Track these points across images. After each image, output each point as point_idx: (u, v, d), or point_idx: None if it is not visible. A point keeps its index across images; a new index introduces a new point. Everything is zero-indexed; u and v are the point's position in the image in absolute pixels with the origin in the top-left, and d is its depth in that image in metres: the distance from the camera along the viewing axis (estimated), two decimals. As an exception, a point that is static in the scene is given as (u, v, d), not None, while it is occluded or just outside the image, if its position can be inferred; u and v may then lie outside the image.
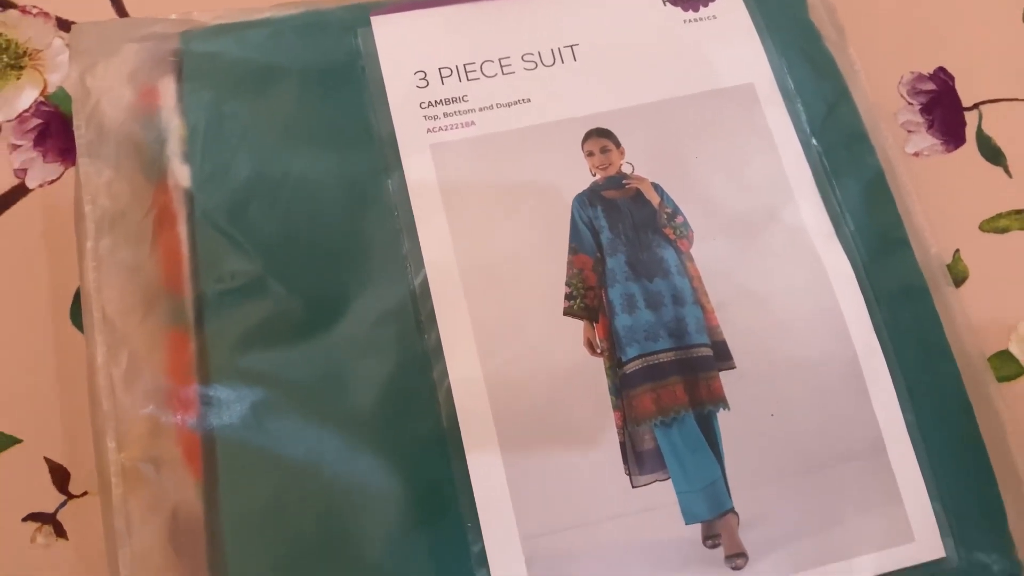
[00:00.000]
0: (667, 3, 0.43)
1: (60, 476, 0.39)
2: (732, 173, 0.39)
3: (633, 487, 0.35)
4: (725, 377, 0.36)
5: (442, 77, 0.40)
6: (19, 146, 0.44)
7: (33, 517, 0.38)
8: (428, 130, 0.39)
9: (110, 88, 0.40)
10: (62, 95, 0.45)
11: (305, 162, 0.38)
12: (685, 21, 0.42)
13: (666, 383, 0.36)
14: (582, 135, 0.39)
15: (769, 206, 0.39)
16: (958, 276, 0.42)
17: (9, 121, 0.45)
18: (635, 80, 0.41)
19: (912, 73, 0.49)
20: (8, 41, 0.45)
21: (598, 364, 0.36)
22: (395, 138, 0.39)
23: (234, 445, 0.34)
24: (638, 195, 0.39)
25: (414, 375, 0.35)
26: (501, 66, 0.41)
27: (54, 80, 0.45)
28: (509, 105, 0.40)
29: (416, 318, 0.36)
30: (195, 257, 0.37)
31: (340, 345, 0.36)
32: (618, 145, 0.39)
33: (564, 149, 0.39)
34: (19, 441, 0.39)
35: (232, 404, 0.35)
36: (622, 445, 0.35)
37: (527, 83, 0.40)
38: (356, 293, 0.36)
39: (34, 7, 0.46)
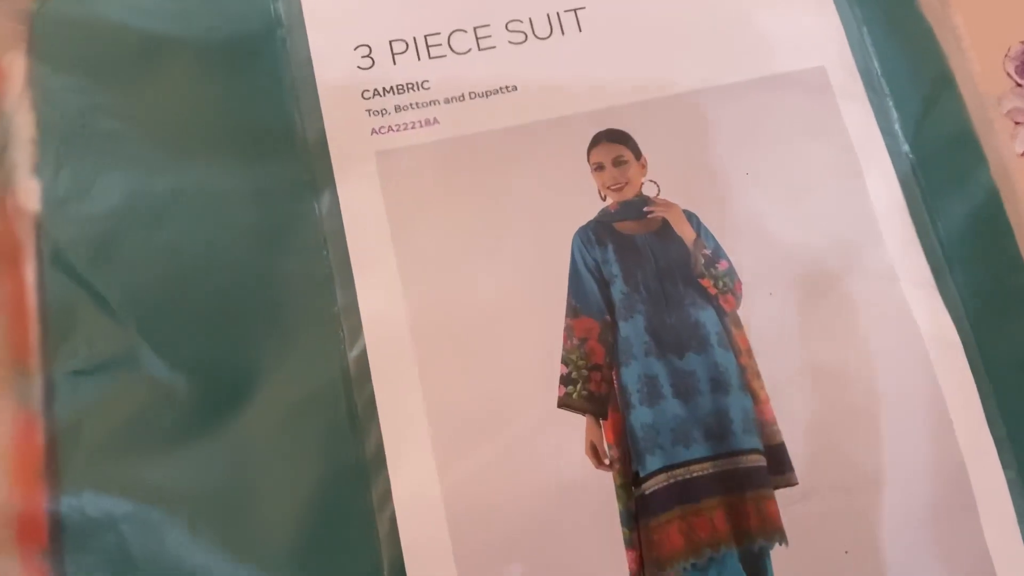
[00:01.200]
0: (707, -48, 0.35)
1: None
2: (794, 196, 0.32)
3: (652, 657, 0.28)
4: (783, 498, 0.29)
5: (394, 54, 0.33)
6: None
7: None
8: (373, 130, 0.32)
9: (-70, 66, 0.32)
10: None
11: (200, 179, 0.32)
12: (732, -24, 0.34)
13: (701, 508, 0.29)
14: (588, 140, 0.32)
15: (846, 246, 0.32)
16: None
17: None
18: (661, 61, 0.34)
19: (1022, 43, 0.38)
20: None
21: (606, 480, 0.29)
22: (326, 142, 0.32)
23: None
24: (665, 229, 0.31)
25: (344, 495, 0.29)
26: (477, 38, 0.33)
27: None
28: (487, 95, 0.33)
29: (349, 410, 0.30)
30: (44, 316, 0.30)
31: (242, 449, 0.29)
32: (638, 156, 0.32)
33: (563, 160, 0.32)
34: None
35: (94, 529, 0.28)
36: (638, 601, 0.28)
37: (513, 63, 0.33)
38: (266, 373, 0.30)
39: None
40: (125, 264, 0.30)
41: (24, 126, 0.32)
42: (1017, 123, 0.38)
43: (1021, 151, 0.38)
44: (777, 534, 0.29)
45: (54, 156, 0.31)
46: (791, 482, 0.29)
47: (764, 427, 0.29)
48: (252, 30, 0.33)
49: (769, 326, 0.31)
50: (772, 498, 0.29)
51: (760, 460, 0.29)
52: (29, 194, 0.31)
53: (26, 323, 0.30)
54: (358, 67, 0.33)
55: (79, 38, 0.33)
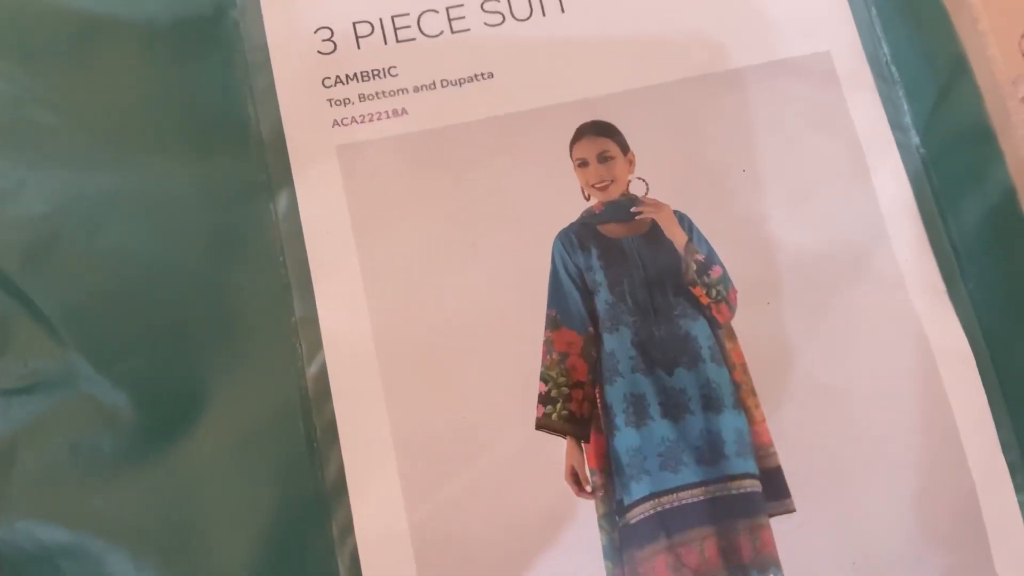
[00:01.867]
0: (702, -74, 0.33)
1: None
2: (796, 197, 0.30)
3: None
4: (778, 526, 0.27)
5: (357, 37, 0.31)
6: None
7: None
8: (335, 122, 0.30)
9: None
10: None
11: (144, 178, 0.29)
12: (729, -47, 0.32)
13: (691, 539, 0.27)
14: (571, 133, 0.30)
15: (851, 251, 0.30)
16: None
17: None
18: (650, 47, 0.31)
19: None
20: None
21: (588, 509, 0.27)
22: (283, 136, 0.30)
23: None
24: (654, 232, 0.30)
25: (301, 528, 0.27)
26: (450, 19, 0.31)
27: None
28: (460, 83, 0.31)
29: (308, 434, 0.28)
30: None
31: (190, 476, 0.27)
32: (625, 151, 0.30)
33: (543, 155, 0.30)
34: None
35: (27, 563, 0.27)
36: (621, 642, 0.26)
37: (489, 48, 0.31)
38: (216, 392, 0.28)
39: None
40: (62, 272, 0.28)
41: None
42: None
43: None
44: (773, 566, 0.27)
45: None
46: (788, 509, 0.28)
47: (759, 449, 0.28)
48: (201, 12, 0.31)
49: (766, 339, 0.29)
50: (767, 526, 0.28)
51: (755, 485, 0.28)
52: None
53: None
54: (318, 52, 0.30)
55: (8, 20, 0.30)
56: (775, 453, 0.28)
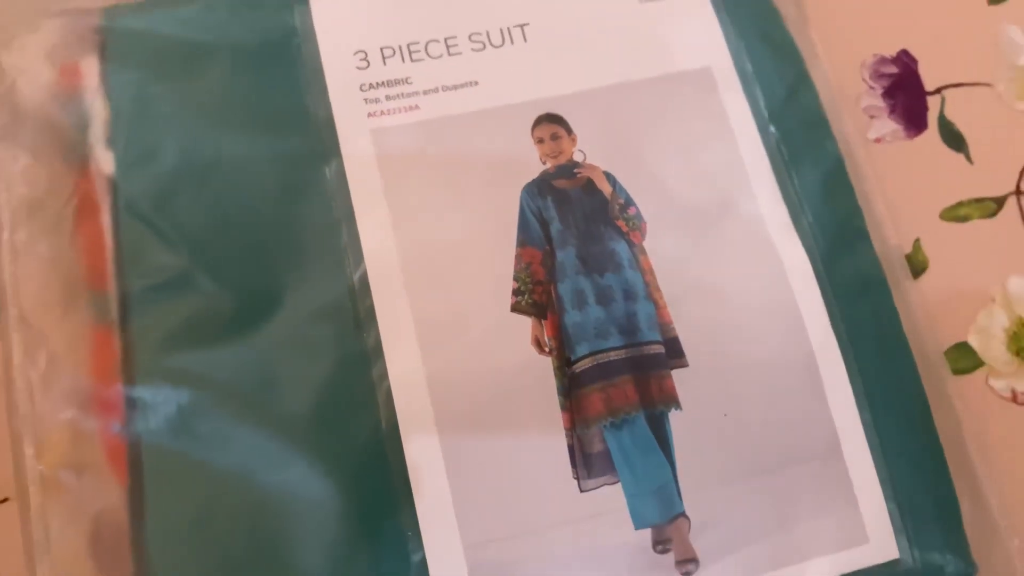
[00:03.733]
0: (623, -19, 0.41)
1: (-23, 481, 0.36)
2: (687, 161, 0.38)
3: (581, 491, 0.34)
4: (677, 376, 0.35)
5: (384, 57, 0.39)
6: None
7: (-51, 525, 0.36)
8: (369, 114, 0.37)
9: (28, 67, 0.37)
10: (-24, 73, 0.42)
11: (236, 148, 0.37)
12: (641, 1, 0.41)
13: (616, 382, 0.35)
14: (532, 120, 0.38)
15: (725, 196, 0.38)
16: (918, 267, 0.41)
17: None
18: (588, 63, 0.39)
19: (875, 56, 0.47)
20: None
21: (546, 363, 0.35)
22: (333, 122, 0.37)
23: (161, 451, 0.33)
24: (590, 185, 0.37)
25: (352, 375, 0.34)
26: (447, 46, 0.39)
27: (-32, 57, 0.42)
28: (455, 88, 0.38)
29: (354, 315, 0.35)
30: (119, 250, 0.35)
31: (273, 344, 0.34)
32: (570, 132, 0.38)
33: (513, 135, 0.38)
34: (-67, 445, 0.37)
35: (159, 407, 0.33)
36: (570, 448, 0.34)
37: (474, 64, 0.39)
38: (291, 288, 0.35)
39: (-54, -25, 0.43)
40: (181, 210, 0.35)
41: (100, 111, 0.36)
42: (872, 116, 0.47)
43: (875, 136, 0.46)
44: (673, 402, 0.34)
45: (123, 133, 0.36)
46: (683, 364, 0.35)
47: (663, 327, 0.35)
48: (275, 38, 0.38)
49: (667, 255, 0.36)
50: (669, 376, 0.35)
51: (660, 349, 0.35)
52: (104, 161, 0.36)
53: (103, 258, 0.35)
54: (356, 67, 0.38)
55: (140, 45, 0.37)
56: (673, 328, 0.35)
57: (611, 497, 0.34)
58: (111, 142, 0.36)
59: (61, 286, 0.35)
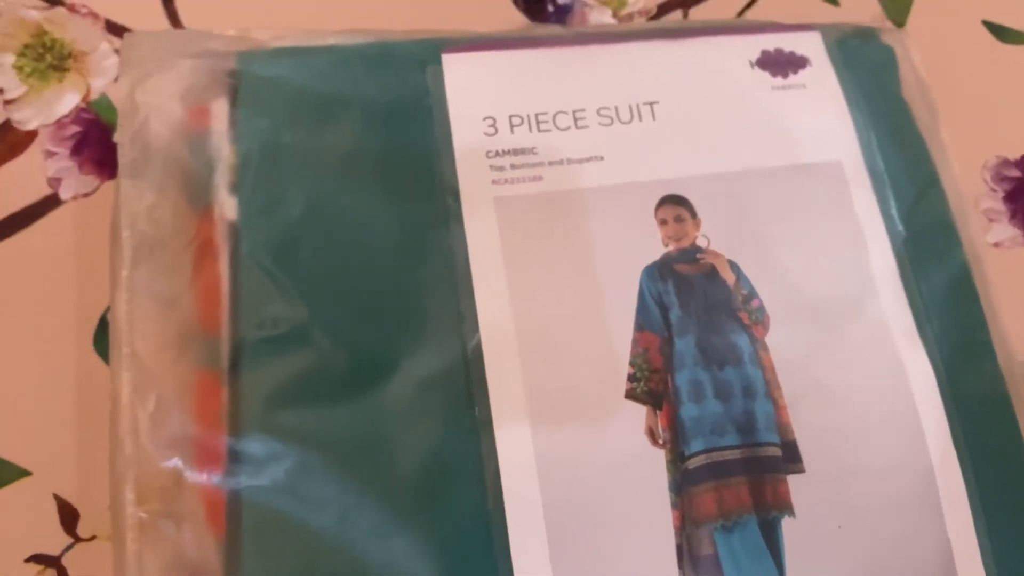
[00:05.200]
0: (755, 66, 0.41)
1: (69, 516, 0.36)
2: (813, 257, 0.37)
3: (687, 594, 0.32)
4: (792, 481, 0.34)
5: (512, 126, 0.38)
6: (55, 153, 0.42)
7: (36, 559, 0.36)
8: (493, 181, 0.37)
9: (160, 105, 0.37)
10: (104, 103, 0.43)
11: (361, 204, 0.36)
12: (773, 88, 0.40)
13: (730, 483, 0.34)
14: (656, 201, 0.37)
15: (850, 296, 0.37)
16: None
17: (47, 126, 0.42)
18: (716, 146, 0.39)
19: (998, 158, 0.46)
20: (54, 40, 0.43)
21: (658, 456, 0.34)
22: (458, 187, 0.37)
23: (261, 507, 0.32)
24: (712, 272, 0.37)
25: (460, 448, 0.33)
26: (575, 119, 0.39)
27: (97, 86, 0.43)
28: (580, 162, 0.38)
29: (467, 385, 0.34)
30: (236, 297, 0.35)
31: (384, 408, 0.33)
32: (694, 215, 0.37)
33: (636, 214, 0.37)
34: (28, 474, 0.37)
35: (263, 462, 0.32)
36: (678, 548, 0.33)
37: (601, 139, 0.38)
38: (405, 352, 0.34)
39: (83, 6, 0.44)
40: (302, 263, 0.34)
41: (227, 155, 0.36)
42: (991, 219, 0.46)
43: (993, 241, 0.46)
44: (787, 508, 0.33)
45: (250, 180, 0.36)
46: (800, 470, 0.34)
47: (781, 428, 0.34)
48: (406, 97, 0.38)
49: (788, 353, 0.35)
50: (785, 481, 0.34)
51: (776, 451, 0.34)
52: (229, 206, 0.36)
53: (219, 303, 0.35)
54: (484, 133, 0.38)
55: (272, 92, 0.37)
56: (792, 430, 0.34)
57: (717, 602, 0.33)
58: (236, 187, 0.36)
59: (176, 328, 0.35)
